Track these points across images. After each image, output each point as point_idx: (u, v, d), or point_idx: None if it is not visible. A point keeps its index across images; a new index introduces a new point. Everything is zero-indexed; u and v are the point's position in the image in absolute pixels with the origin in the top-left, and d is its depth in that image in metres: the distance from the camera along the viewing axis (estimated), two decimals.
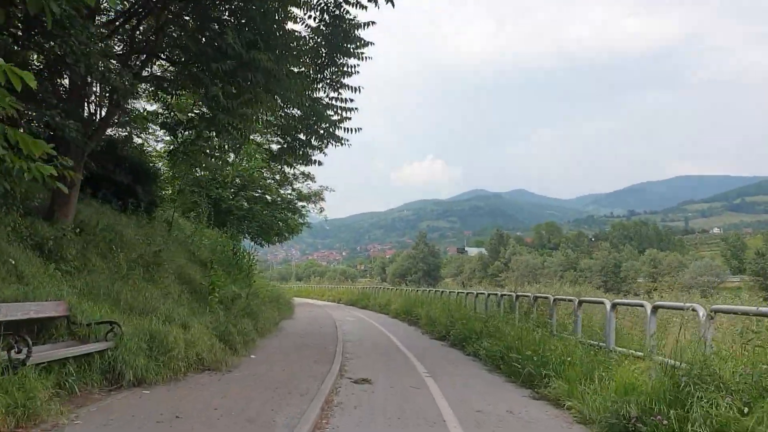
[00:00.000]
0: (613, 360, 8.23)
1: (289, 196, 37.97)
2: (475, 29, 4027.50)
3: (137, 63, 12.14)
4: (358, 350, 13.72)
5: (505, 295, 16.14)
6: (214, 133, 11.67)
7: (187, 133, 13.14)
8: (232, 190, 33.60)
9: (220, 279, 14.84)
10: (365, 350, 13.86)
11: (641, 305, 8.59)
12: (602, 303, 9.83)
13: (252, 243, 38.86)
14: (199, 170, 31.19)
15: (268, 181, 35.28)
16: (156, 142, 29.75)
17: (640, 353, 7.86)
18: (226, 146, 13.66)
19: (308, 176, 37.53)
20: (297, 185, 37.85)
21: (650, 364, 6.83)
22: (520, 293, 15.21)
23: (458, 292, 22.16)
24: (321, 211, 38.58)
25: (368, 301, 34.83)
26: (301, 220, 38.75)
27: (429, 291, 28.25)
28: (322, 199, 38.08)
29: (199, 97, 10.21)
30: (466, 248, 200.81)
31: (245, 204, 33.42)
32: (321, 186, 38.21)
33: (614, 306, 9.33)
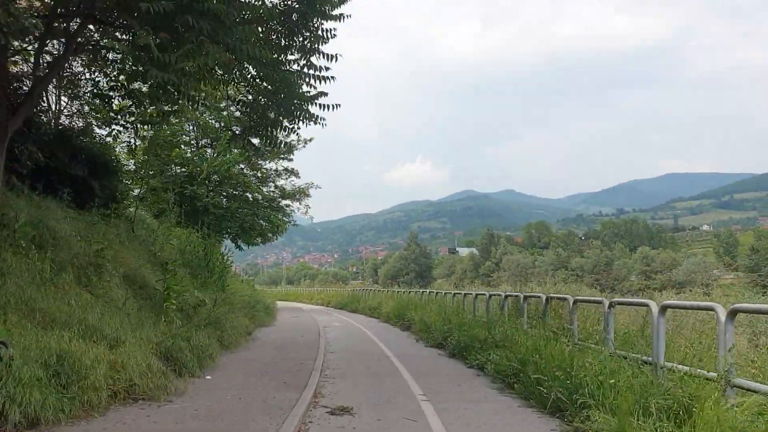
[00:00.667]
0: (672, 383, 6.14)
1: (271, 194, 35.79)
2: (463, 29, 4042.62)
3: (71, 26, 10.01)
4: (342, 364, 11.57)
5: (510, 295, 14.03)
6: (148, 98, 9.50)
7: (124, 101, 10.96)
8: (210, 187, 31.32)
9: (179, 283, 12.66)
10: (350, 364, 11.71)
11: (711, 308, 6.46)
12: (645, 305, 7.71)
13: (232, 244, 36.63)
14: (171, 167, 29.08)
15: (249, 177, 33.10)
16: (132, 138, 27.57)
17: (709, 373, 5.81)
18: (165, 111, 11.37)
19: (291, 172, 35.35)
20: (280, 182, 35.70)
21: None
22: (528, 294, 13.13)
23: (454, 293, 20.08)
24: (306, 210, 36.38)
25: (358, 305, 32.72)
26: (285, 219, 36.56)
27: (422, 292, 26.18)
28: (307, 196, 35.92)
29: (126, 49, 8.03)
30: (457, 248, 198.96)
31: (224, 202, 31.21)
32: (306, 183, 36.07)
33: (663, 310, 7.21)
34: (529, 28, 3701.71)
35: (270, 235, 35.27)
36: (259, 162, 34.44)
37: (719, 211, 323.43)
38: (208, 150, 31.07)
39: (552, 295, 12.14)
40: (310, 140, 34.70)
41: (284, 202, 36.13)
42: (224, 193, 32.58)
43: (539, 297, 12.07)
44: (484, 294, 15.88)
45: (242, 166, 34.22)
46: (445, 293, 21.79)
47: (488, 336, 11.37)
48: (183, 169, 28.90)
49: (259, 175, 35.43)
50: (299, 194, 35.47)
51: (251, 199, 34.62)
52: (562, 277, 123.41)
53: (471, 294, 17.48)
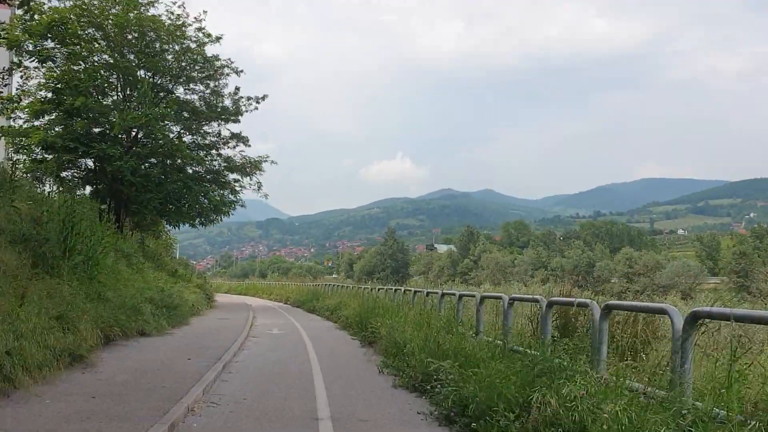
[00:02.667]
0: None
1: (215, 165, 29.15)
2: (444, 28, 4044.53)
3: None
4: None
5: (558, 302, 7.68)
6: None
7: None
8: (126, 148, 24.58)
9: None
10: None
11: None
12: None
13: (166, 224, 29.86)
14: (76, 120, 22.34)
15: (182, 142, 26.45)
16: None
17: None
18: None
19: (240, 138, 28.75)
20: (226, 151, 29.11)
21: None
22: (614, 302, 6.84)
23: (442, 294, 13.72)
24: (259, 187, 29.76)
25: (317, 303, 26.30)
26: (232, 197, 29.87)
27: (395, 290, 19.81)
28: (260, 170, 29.32)
29: None
30: (435, 245, 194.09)
31: (152, 171, 24.56)
32: (260, 156, 29.49)
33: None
34: (510, 29, 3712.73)
35: (213, 215, 28.62)
36: (198, 123, 27.82)
37: (694, 216, 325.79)
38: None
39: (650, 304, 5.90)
40: (263, 98, 28.16)
41: (232, 176, 29.49)
42: (152, 161, 25.85)
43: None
44: (500, 298, 9.49)
45: (177, 128, 27.58)
46: (427, 293, 15.45)
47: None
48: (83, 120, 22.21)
49: (199, 140, 28.77)
50: (250, 167, 28.82)
51: (191, 171, 27.92)
52: (541, 277, 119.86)
53: (472, 297, 11.17)
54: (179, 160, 25.19)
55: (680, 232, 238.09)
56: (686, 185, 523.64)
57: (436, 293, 14.50)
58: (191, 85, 27.25)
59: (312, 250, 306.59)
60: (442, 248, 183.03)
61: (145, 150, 23.63)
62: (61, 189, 20.53)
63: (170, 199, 24.88)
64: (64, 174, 24.31)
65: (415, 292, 16.77)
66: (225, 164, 28.33)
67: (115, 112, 21.40)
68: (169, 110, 23.30)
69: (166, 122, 25.38)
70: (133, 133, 23.93)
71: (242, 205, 29.52)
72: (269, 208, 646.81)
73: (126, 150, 22.96)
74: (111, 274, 13.54)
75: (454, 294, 12.74)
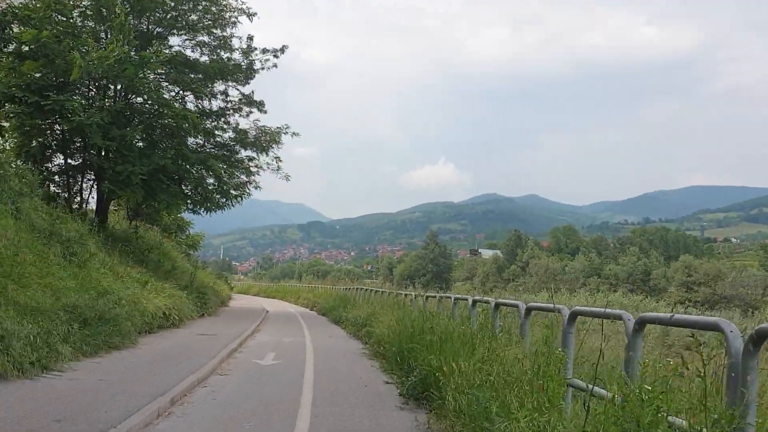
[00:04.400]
0: None
1: (223, 139, 23.57)
2: (489, 34, 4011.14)
3: None
4: None
5: None
6: None
7: None
8: (94, 100, 18.99)
9: None
10: None
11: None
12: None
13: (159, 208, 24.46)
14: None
15: (172, 93, 20.91)
16: None
17: None
18: None
19: (253, 102, 23.02)
20: (235, 119, 23.44)
21: None
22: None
23: (527, 310, 7.38)
24: (278, 166, 24.03)
25: (344, 313, 20.19)
26: (245, 178, 24.27)
27: (451, 300, 13.46)
28: (278, 143, 23.53)
29: None
30: (480, 250, 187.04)
31: (129, 133, 18.92)
32: (278, 127, 23.82)
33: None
34: (556, 36, 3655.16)
35: (220, 199, 22.99)
36: (202, 82, 22.25)
37: (747, 224, 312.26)
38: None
39: None
40: (282, 51, 22.35)
41: (245, 153, 23.83)
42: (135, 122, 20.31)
43: None
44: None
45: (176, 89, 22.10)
46: (496, 305, 8.91)
47: None
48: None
49: (204, 105, 23.20)
50: (266, 139, 23.07)
51: (193, 144, 22.33)
52: (593, 286, 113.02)
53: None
54: (172, 122, 19.52)
55: (733, 240, 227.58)
56: (736, 193, 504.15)
57: (515, 306, 8.03)
58: (193, 36, 21.59)
59: (352, 253, 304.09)
60: (487, 253, 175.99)
61: (118, 105, 17.95)
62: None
63: (161, 175, 19.19)
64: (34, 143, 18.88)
65: (474, 302, 10.32)
66: (235, 136, 22.63)
67: (75, 52, 15.77)
68: (154, 58, 17.63)
69: (159, 77, 19.83)
70: (107, 85, 18.40)
71: (256, 187, 23.79)
72: (311, 212, 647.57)
73: (92, 104, 17.38)
74: None
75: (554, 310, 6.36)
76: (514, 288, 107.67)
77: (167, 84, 21.01)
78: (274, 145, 22.84)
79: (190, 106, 21.92)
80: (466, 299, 11.16)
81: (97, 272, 12.77)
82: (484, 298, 10.71)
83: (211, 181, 22.02)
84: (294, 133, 23.27)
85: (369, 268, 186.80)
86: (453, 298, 12.45)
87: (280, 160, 23.26)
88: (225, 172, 21.82)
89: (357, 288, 27.38)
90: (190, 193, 22.12)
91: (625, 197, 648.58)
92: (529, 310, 7.36)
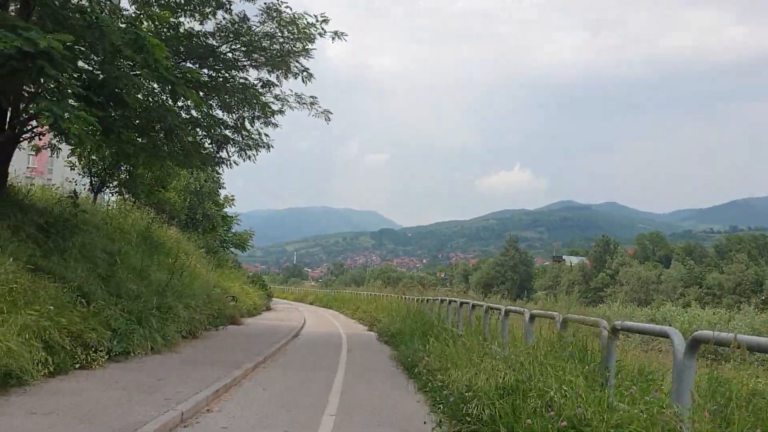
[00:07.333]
0: None
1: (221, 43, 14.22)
2: (565, 39, 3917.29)
3: None
4: None
5: None
6: None
7: None
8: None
9: None
10: None
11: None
12: None
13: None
14: None
15: None
16: None
17: None
18: None
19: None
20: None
21: None
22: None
23: None
24: (312, 102, 14.20)
25: (424, 347, 10.05)
26: (261, 114, 14.85)
27: None
28: (308, 53, 13.74)
29: None
30: (564, 257, 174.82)
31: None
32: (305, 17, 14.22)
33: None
34: (636, 38, 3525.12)
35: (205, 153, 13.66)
36: None
37: None
38: None
39: None
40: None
41: (256, 75, 14.47)
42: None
43: None
44: None
45: None
46: None
47: None
48: None
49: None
50: (287, 40, 13.49)
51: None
52: (694, 296, 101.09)
53: None
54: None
55: None
56: None
57: None
58: None
59: (424, 261, 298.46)
60: (570, 260, 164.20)
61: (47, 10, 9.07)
62: None
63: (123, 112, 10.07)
64: None
65: None
66: (228, 26, 13.31)
67: None
68: None
69: None
70: None
71: (268, 145, 14.47)
72: (383, 219, 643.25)
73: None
74: None
75: None
76: (597, 297, 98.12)
77: None
78: (301, 54, 13.35)
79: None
80: None
81: None
82: None
83: (197, 116, 12.80)
84: (340, 34, 13.67)
85: (443, 275, 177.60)
86: None
87: (316, 98, 13.82)
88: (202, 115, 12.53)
89: (439, 300, 16.93)
90: (160, 142, 13.00)
91: (709, 204, 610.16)
92: None
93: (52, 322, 8.10)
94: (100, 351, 8.69)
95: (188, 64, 12.75)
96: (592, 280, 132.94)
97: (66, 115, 8.66)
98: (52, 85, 9.30)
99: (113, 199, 19.52)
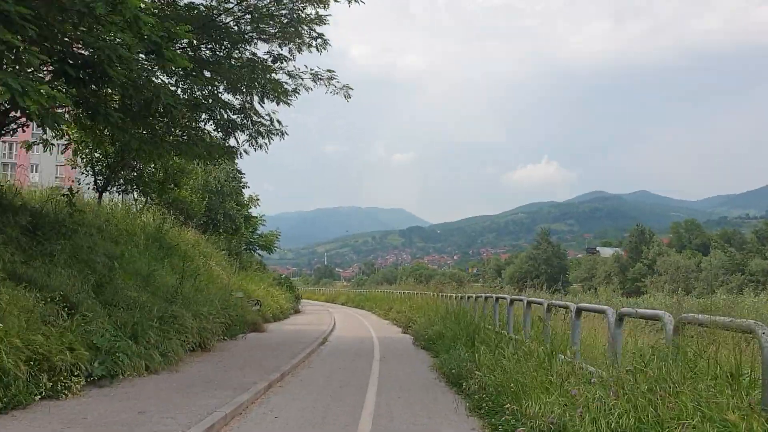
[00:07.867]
0: None
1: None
2: (591, 28, 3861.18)
3: None
4: None
5: None
6: None
7: None
8: None
9: None
10: None
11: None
12: None
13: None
14: None
15: None
16: None
17: None
18: None
19: None
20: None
21: None
22: None
23: None
24: (329, 78, 12.36)
25: (472, 356, 8.23)
26: (272, 90, 12.92)
27: None
28: (323, 20, 11.87)
29: None
30: (598, 248, 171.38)
31: None
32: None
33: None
34: (664, 24, 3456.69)
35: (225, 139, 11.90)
36: None
37: None
38: None
39: None
40: None
41: (264, 49, 12.67)
42: None
43: None
44: None
45: None
46: None
47: None
48: None
49: None
50: (305, 6, 11.67)
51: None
52: (737, 283, 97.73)
53: None
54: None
55: None
56: None
57: None
58: None
59: (455, 257, 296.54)
60: (606, 251, 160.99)
61: None
62: None
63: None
64: None
65: None
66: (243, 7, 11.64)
67: None
68: None
69: None
70: None
71: (282, 132, 12.74)
72: (411, 217, 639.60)
73: None
74: None
75: None
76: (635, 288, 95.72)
77: None
78: (315, 23, 11.58)
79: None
80: None
81: None
82: None
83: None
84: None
85: (475, 271, 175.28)
86: None
87: (333, 72, 12.06)
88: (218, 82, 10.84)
89: (483, 297, 14.80)
90: (158, 128, 11.36)
91: (743, 190, 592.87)
92: None
93: (20, 340, 6.48)
94: (76, 376, 7.05)
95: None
96: (629, 270, 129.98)
97: (26, 88, 7.02)
98: (12, 56, 7.69)
99: (121, 198, 18.07)
